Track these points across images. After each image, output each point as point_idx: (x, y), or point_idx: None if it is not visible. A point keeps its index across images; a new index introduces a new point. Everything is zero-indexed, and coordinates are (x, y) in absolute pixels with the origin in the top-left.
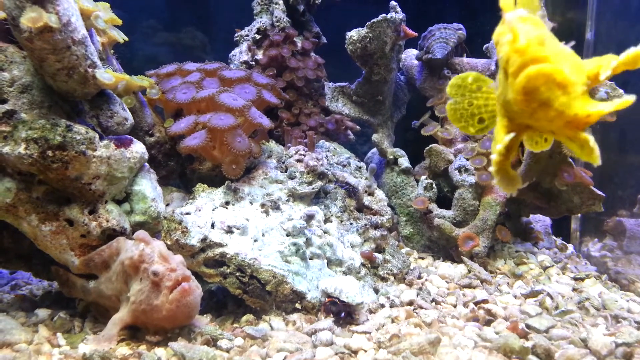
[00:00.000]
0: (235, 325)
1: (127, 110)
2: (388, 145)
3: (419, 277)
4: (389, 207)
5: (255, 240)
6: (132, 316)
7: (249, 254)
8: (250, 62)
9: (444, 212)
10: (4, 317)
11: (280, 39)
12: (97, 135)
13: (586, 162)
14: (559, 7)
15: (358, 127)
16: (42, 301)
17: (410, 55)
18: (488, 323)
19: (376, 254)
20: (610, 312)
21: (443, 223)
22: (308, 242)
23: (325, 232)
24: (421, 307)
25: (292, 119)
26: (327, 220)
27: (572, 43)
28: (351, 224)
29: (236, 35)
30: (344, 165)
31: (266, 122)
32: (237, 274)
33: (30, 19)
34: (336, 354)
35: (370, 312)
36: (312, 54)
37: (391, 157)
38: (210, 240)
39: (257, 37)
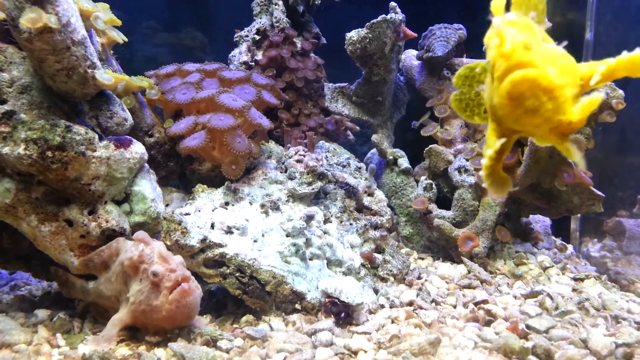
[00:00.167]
0: (235, 325)
1: (127, 111)
2: (388, 145)
3: (419, 278)
4: (388, 207)
5: (255, 241)
6: (132, 317)
7: (248, 255)
8: (250, 63)
9: (444, 212)
10: (3, 318)
11: (279, 40)
12: (96, 136)
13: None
14: (559, 7)
15: (358, 127)
16: (42, 302)
17: (410, 56)
18: (488, 323)
19: (376, 255)
20: (610, 312)
21: (443, 223)
22: (308, 243)
23: (325, 233)
24: (421, 308)
25: (292, 120)
26: (326, 220)
27: (565, 43)
28: (351, 224)
29: (236, 35)
30: (344, 166)
31: (266, 122)
32: (237, 274)
33: (29, 19)
34: (336, 354)
35: (370, 312)
36: (312, 54)
37: (391, 157)
38: (209, 241)
39: (257, 37)
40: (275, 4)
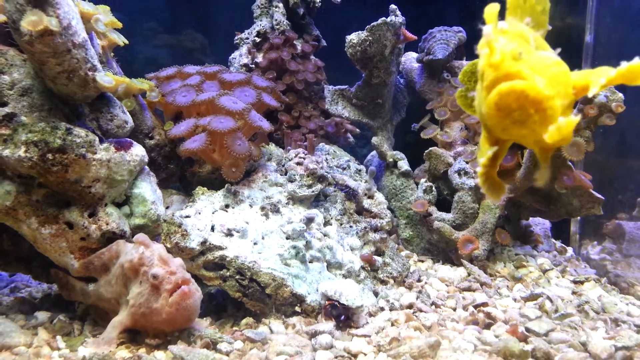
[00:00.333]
0: (235, 328)
1: (127, 113)
2: (388, 148)
3: (419, 280)
4: (388, 210)
5: (255, 243)
6: (132, 319)
7: (248, 257)
8: (250, 65)
9: (444, 215)
10: (3, 320)
11: (280, 42)
12: (97, 138)
13: (585, 165)
14: (558, 10)
15: (358, 130)
16: (42, 304)
17: (410, 59)
18: (488, 326)
19: (376, 257)
20: (609, 315)
21: (443, 226)
22: (308, 245)
23: (325, 235)
24: (421, 310)
25: (292, 122)
26: (326, 223)
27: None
28: (351, 227)
29: (236, 38)
30: (344, 168)
31: (266, 125)
32: (237, 277)
33: (30, 22)
34: (336, 357)
35: (370, 315)
36: (312, 57)
37: (391, 160)
38: (210, 243)
39: (257, 40)
40: (276, 7)
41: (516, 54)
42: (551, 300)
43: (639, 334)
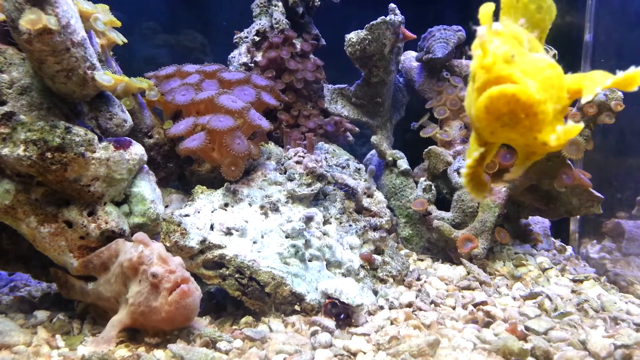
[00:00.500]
0: (234, 327)
1: (126, 112)
2: (387, 147)
3: (418, 279)
4: (388, 208)
5: (254, 242)
6: (131, 318)
7: (248, 256)
8: (250, 64)
9: (443, 213)
10: (2, 319)
11: (279, 41)
12: (96, 137)
13: (585, 164)
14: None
15: (357, 128)
16: (41, 303)
17: (409, 58)
18: (487, 325)
19: (375, 256)
20: (609, 314)
21: (442, 225)
22: (307, 244)
23: (324, 234)
24: (420, 309)
25: (291, 121)
26: (326, 222)
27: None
28: (350, 225)
29: (235, 37)
30: (343, 167)
31: (265, 124)
32: (236, 275)
33: (29, 21)
34: (335, 356)
35: (370, 314)
36: (311, 55)
37: (390, 158)
38: (209, 242)
39: (256, 39)
40: (275, 6)
41: (508, 56)
42: (550, 299)
43: (638, 333)
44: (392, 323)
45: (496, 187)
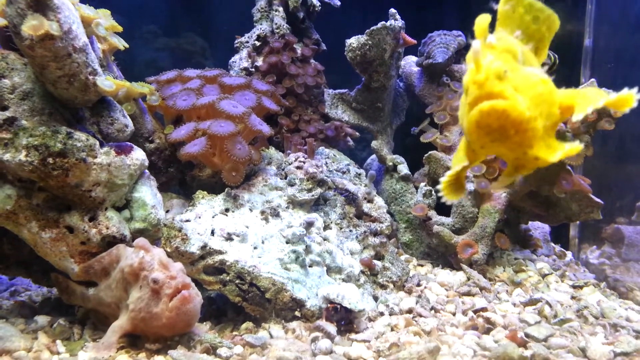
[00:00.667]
0: (234, 333)
1: (128, 117)
2: (387, 152)
3: (418, 285)
4: (388, 214)
5: (254, 248)
6: (132, 324)
7: (248, 262)
8: (250, 69)
9: (443, 219)
10: (3, 324)
11: (280, 46)
12: (97, 143)
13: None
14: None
15: (357, 133)
16: (42, 307)
17: (409, 62)
18: (487, 331)
19: (375, 262)
20: (608, 320)
21: (442, 230)
22: (307, 250)
23: (324, 240)
24: (420, 315)
25: (292, 126)
26: (326, 227)
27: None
28: (350, 231)
29: (236, 41)
30: (344, 172)
31: (266, 129)
32: (237, 281)
33: (31, 26)
34: None
35: (370, 320)
36: (312, 60)
37: (390, 163)
38: (210, 248)
39: (257, 43)
40: (276, 11)
41: (501, 72)
42: (550, 305)
43: (638, 340)
44: (392, 329)
45: (496, 193)
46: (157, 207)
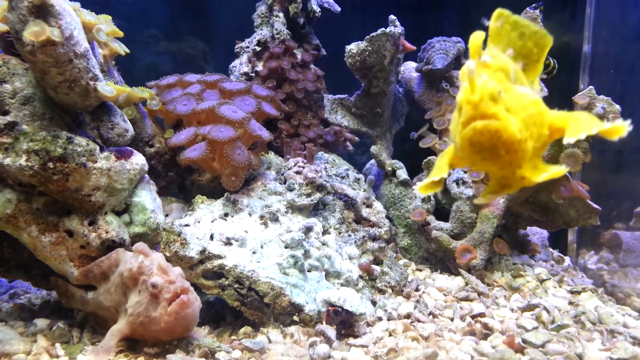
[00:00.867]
0: (233, 337)
1: (128, 122)
2: (386, 157)
3: (417, 290)
4: (387, 218)
5: (253, 252)
6: (131, 328)
7: (247, 266)
8: (250, 74)
9: (442, 224)
10: (2, 327)
11: (280, 51)
12: (97, 147)
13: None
14: (557, 20)
15: (357, 138)
16: (41, 310)
17: (409, 68)
18: (485, 337)
19: (374, 266)
20: (606, 326)
21: (441, 235)
22: (306, 254)
23: (323, 244)
24: (418, 320)
25: (292, 131)
26: (325, 232)
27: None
28: (349, 235)
29: (236, 46)
30: (343, 177)
31: (265, 134)
32: (236, 285)
33: (33, 32)
34: None
35: (368, 325)
36: (312, 66)
37: (389, 168)
38: (209, 252)
39: (257, 49)
40: (276, 16)
41: (495, 93)
42: (548, 311)
43: (635, 346)
44: (390, 334)
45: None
46: (156, 212)
